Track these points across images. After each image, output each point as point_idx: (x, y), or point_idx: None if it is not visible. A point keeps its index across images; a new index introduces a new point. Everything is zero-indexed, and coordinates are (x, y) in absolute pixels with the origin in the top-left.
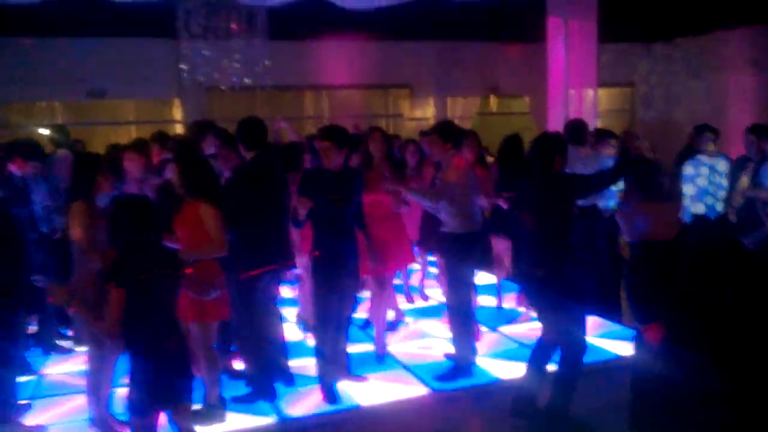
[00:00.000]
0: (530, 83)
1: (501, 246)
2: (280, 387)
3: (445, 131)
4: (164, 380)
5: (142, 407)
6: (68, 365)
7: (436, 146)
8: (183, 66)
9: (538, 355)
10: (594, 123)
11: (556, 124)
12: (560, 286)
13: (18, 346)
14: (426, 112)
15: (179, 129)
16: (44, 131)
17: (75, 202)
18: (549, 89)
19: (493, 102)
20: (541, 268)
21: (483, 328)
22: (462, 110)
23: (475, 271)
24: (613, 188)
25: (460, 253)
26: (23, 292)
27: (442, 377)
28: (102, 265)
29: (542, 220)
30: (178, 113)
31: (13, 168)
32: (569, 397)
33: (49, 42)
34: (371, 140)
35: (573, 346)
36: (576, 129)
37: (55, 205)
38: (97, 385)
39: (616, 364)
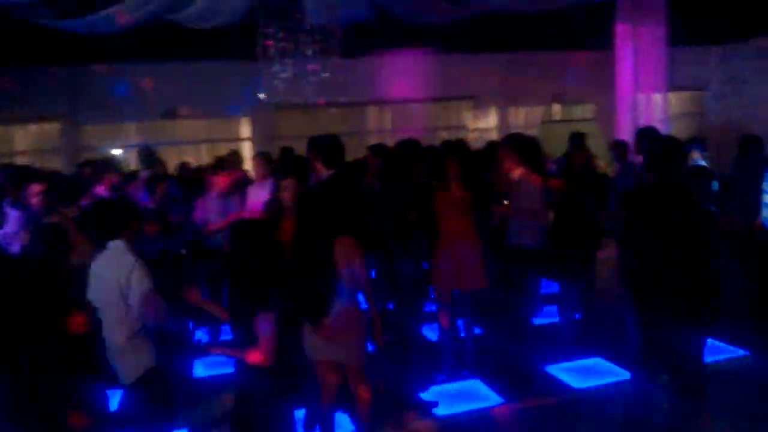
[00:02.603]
0: (595, 90)
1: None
2: None
3: (520, 145)
4: None
5: None
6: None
7: (509, 159)
8: (260, 87)
9: None
10: (664, 128)
11: (624, 129)
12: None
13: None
14: (489, 123)
15: (247, 147)
16: (117, 152)
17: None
18: (617, 95)
19: (556, 110)
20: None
21: None
22: (524, 120)
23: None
24: None
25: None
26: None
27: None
28: None
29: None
30: (246, 131)
31: (101, 190)
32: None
33: (124, 67)
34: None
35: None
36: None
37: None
38: None
39: None
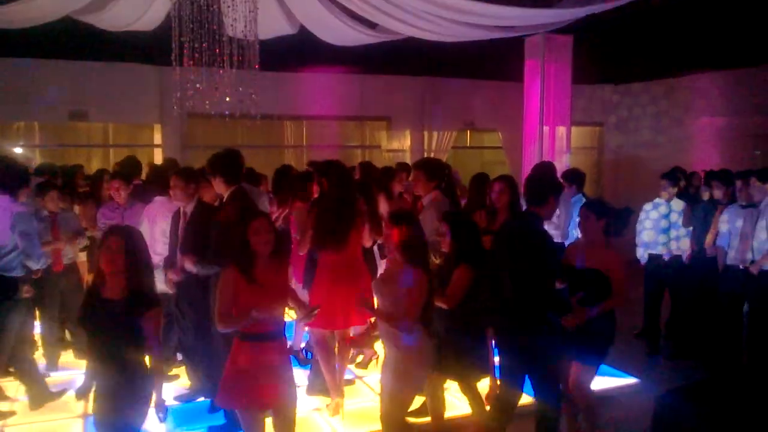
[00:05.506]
0: (504, 119)
1: None
2: None
3: (431, 168)
4: None
5: None
6: None
7: (420, 182)
8: (174, 94)
9: None
10: (566, 159)
11: (530, 158)
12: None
13: None
14: (403, 144)
15: (158, 153)
16: (19, 151)
17: None
18: (525, 126)
19: (467, 136)
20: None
21: None
22: (437, 144)
23: None
24: None
25: None
26: None
27: None
28: None
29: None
30: (158, 138)
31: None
32: None
33: (32, 63)
34: None
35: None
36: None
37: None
38: None
39: None
